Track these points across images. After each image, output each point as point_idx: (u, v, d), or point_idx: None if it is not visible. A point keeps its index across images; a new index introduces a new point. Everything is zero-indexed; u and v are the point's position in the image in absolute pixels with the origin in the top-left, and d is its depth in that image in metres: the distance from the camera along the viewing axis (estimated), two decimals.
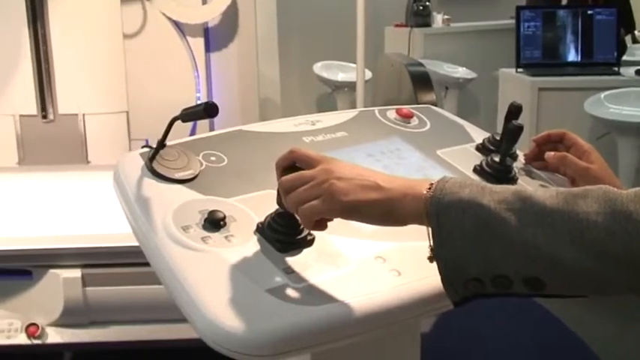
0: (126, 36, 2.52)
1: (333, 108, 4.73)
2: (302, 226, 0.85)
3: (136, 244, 1.40)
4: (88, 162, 2.48)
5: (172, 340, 1.62)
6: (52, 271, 1.67)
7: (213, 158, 1.01)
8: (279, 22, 3.55)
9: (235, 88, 2.89)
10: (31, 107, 2.41)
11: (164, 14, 2.56)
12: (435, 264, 0.75)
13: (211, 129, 2.30)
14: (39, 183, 2.13)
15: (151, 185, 0.93)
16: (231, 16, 2.74)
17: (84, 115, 2.45)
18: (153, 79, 2.62)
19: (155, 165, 0.95)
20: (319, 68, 4.92)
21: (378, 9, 4.95)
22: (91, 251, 1.66)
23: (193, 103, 2.72)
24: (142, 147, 1.00)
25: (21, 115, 2.42)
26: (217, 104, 0.89)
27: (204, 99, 2.73)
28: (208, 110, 0.88)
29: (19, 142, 2.43)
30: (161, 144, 0.96)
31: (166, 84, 2.63)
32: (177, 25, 2.61)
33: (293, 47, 4.93)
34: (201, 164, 0.98)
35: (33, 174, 2.21)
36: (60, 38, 2.41)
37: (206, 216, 0.87)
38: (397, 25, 5.15)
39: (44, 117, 2.42)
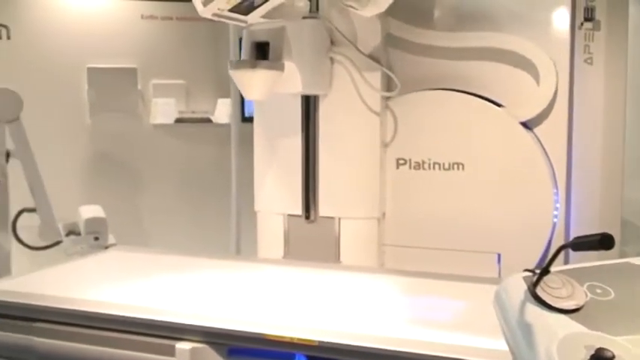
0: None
1: None
2: None
3: None
4: (340, 262, 2.63)
5: None
6: None
7: (598, 290, 0.97)
8: None
9: (594, 212, 2.74)
10: (297, 208, 2.67)
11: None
12: None
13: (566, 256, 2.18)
14: (302, 276, 2.32)
15: (534, 311, 0.93)
16: (591, 135, 2.61)
17: (340, 218, 2.64)
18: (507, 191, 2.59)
19: (539, 291, 0.94)
20: None
21: None
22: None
23: (549, 221, 2.64)
24: (524, 270, 1.00)
25: (289, 215, 2.71)
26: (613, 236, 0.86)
27: (561, 218, 2.63)
28: (604, 242, 0.85)
29: (285, 238, 2.72)
30: (546, 270, 0.96)
31: (521, 198, 2.59)
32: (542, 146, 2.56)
33: None
34: (586, 295, 0.95)
35: (296, 268, 2.43)
36: (326, 144, 2.62)
37: (593, 352, 0.84)
38: None
39: (307, 218, 2.67)
